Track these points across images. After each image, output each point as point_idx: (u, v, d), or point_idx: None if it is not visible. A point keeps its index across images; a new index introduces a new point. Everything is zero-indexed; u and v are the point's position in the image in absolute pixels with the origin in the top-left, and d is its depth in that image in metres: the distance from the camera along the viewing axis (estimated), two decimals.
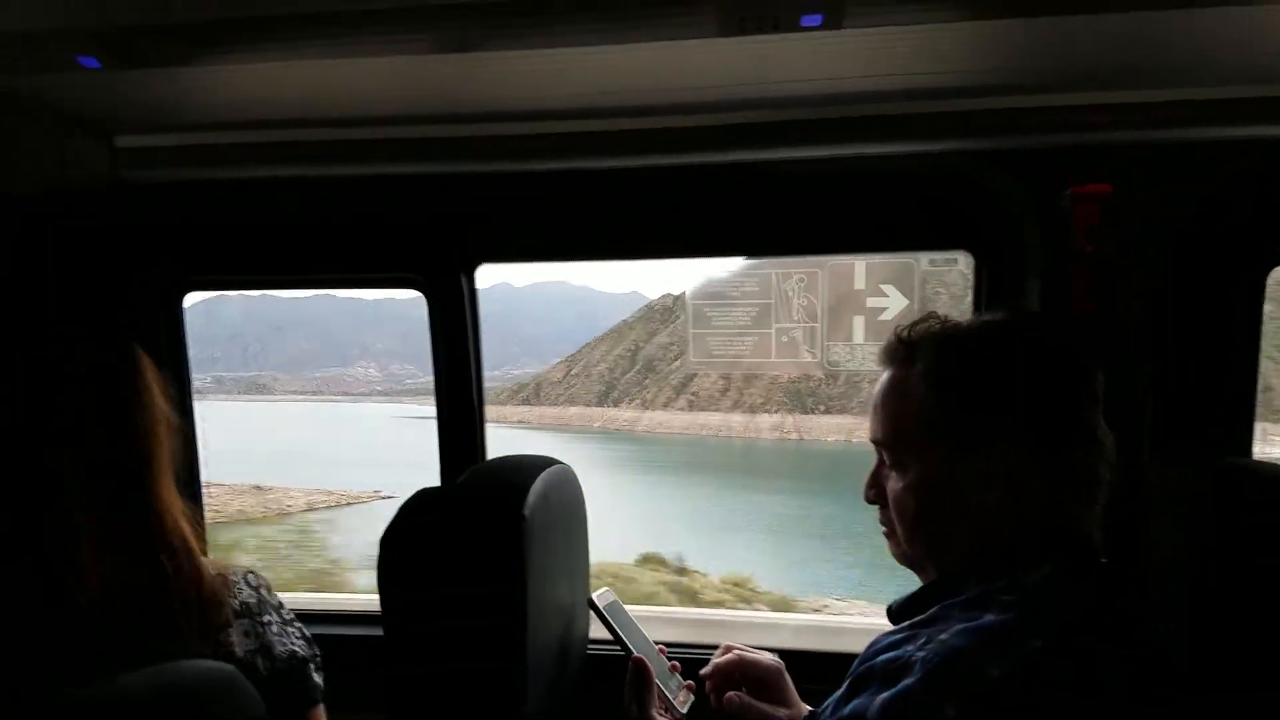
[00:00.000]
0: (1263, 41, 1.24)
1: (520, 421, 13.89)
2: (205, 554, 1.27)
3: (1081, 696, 0.92)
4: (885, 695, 0.94)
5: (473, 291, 1.88)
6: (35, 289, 1.82)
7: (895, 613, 1.16)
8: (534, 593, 1.26)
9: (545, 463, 1.43)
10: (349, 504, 11.92)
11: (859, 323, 1.96)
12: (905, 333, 1.18)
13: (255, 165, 1.65)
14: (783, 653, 1.75)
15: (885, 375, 1.20)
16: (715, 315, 2.05)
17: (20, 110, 1.47)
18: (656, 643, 1.48)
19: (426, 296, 1.87)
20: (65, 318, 1.84)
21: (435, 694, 1.24)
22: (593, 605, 1.42)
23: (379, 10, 1.15)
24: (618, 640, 1.39)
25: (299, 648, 1.28)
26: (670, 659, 1.47)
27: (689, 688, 1.43)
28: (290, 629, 1.30)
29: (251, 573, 1.32)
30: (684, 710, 1.37)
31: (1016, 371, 1.09)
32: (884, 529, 1.23)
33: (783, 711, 1.37)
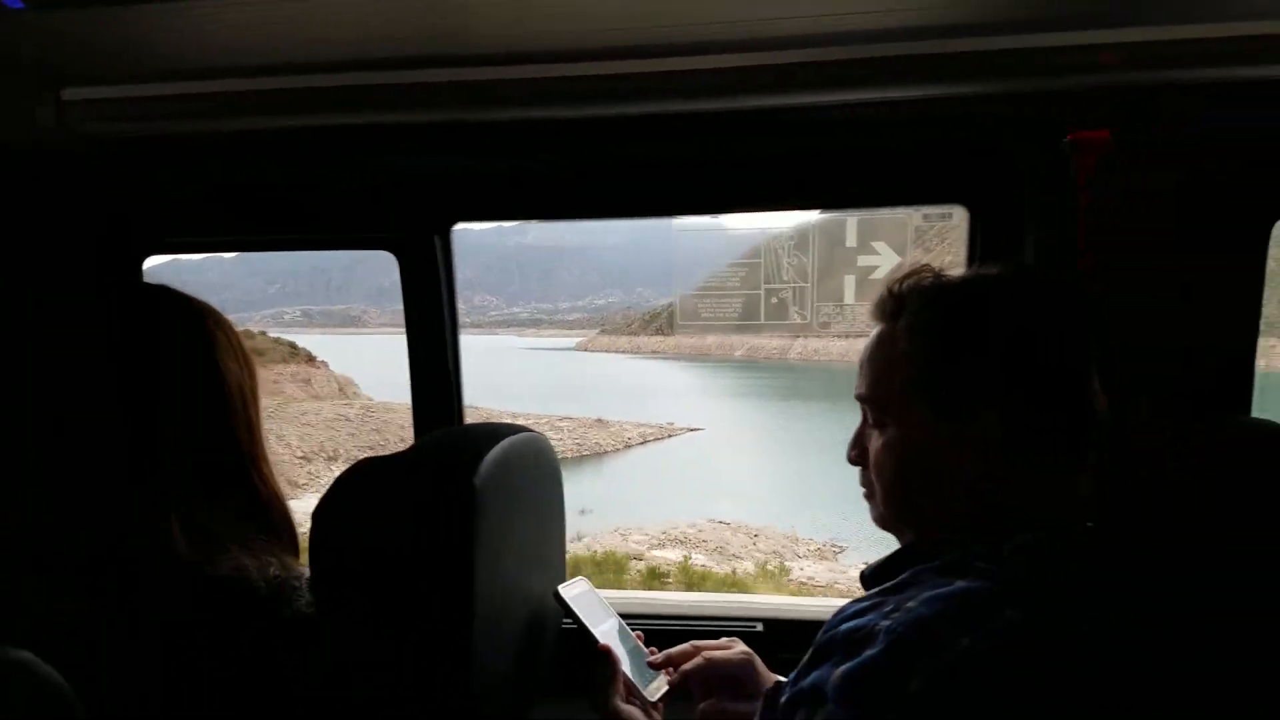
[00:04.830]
0: None
1: (655, 352, 13.80)
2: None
3: (1063, 670, 0.86)
4: (846, 666, 0.89)
5: (447, 252, 1.81)
6: None
7: (868, 578, 1.11)
8: (485, 575, 1.12)
9: (511, 430, 1.32)
10: (669, 436, 12.37)
11: (849, 282, 1.89)
12: (895, 286, 1.13)
13: (214, 118, 1.56)
14: (765, 621, 1.72)
15: (874, 330, 1.15)
16: (704, 278, 1.99)
17: None
18: (636, 629, 1.44)
19: (398, 257, 1.80)
20: (28, 282, 1.78)
21: (371, 683, 1.12)
22: (558, 597, 1.38)
23: None
24: (583, 631, 1.35)
25: None
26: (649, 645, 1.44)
27: (669, 674, 1.39)
28: None
29: None
30: (654, 699, 1.34)
31: (1002, 329, 1.03)
32: (864, 490, 1.18)
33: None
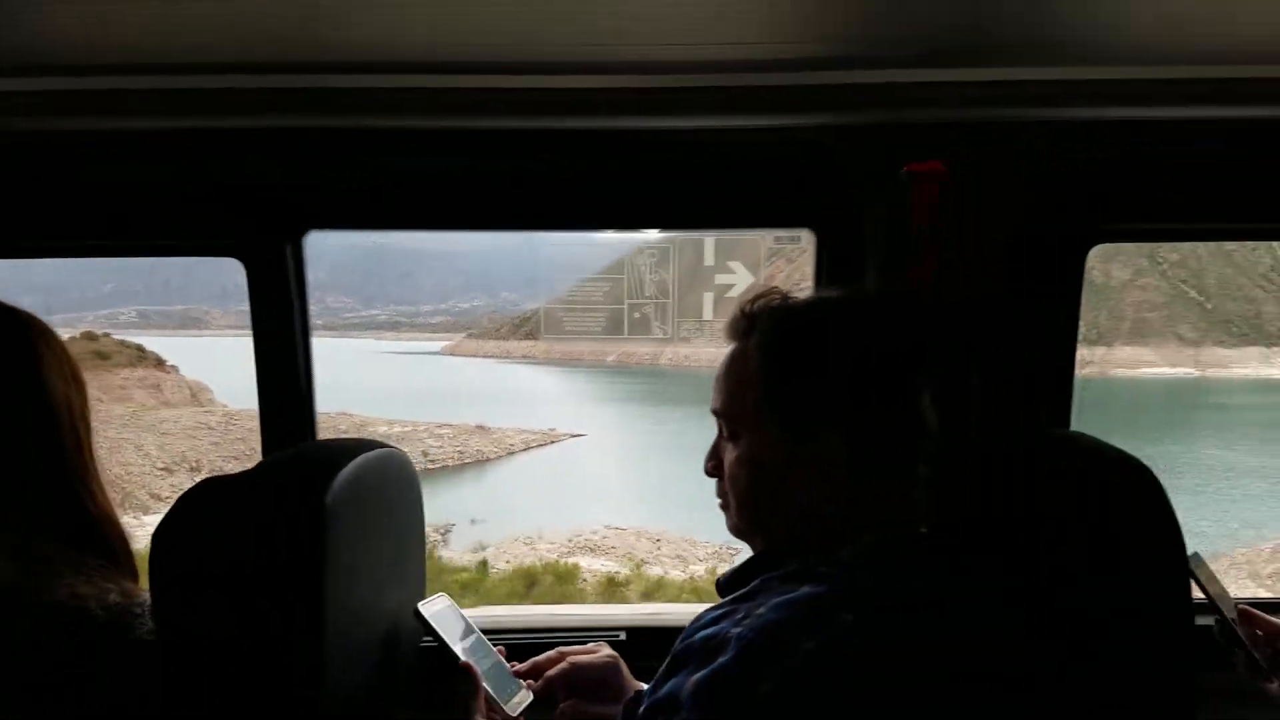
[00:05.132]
0: (1096, 23, 1.26)
1: (525, 356, 13.51)
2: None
3: (893, 669, 0.91)
4: (700, 674, 0.93)
5: (299, 261, 1.74)
6: None
7: (722, 586, 1.15)
8: (337, 594, 1.10)
9: (367, 445, 1.30)
10: (552, 442, 11.95)
11: (708, 299, 1.96)
12: (748, 305, 1.18)
13: (43, 116, 1.47)
14: (628, 630, 1.75)
15: (730, 348, 1.19)
16: (568, 289, 2.02)
17: None
18: (497, 644, 1.45)
19: (246, 266, 1.72)
20: None
21: (217, 706, 1.08)
22: (418, 615, 1.37)
23: None
24: (444, 649, 1.35)
25: None
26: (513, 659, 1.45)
27: (531, 687, 1.41)
28: None
29: None
30: (516, 713, 1.35)
31: (842, 351, 1.09)
32: (720, 501, 1.22)
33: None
